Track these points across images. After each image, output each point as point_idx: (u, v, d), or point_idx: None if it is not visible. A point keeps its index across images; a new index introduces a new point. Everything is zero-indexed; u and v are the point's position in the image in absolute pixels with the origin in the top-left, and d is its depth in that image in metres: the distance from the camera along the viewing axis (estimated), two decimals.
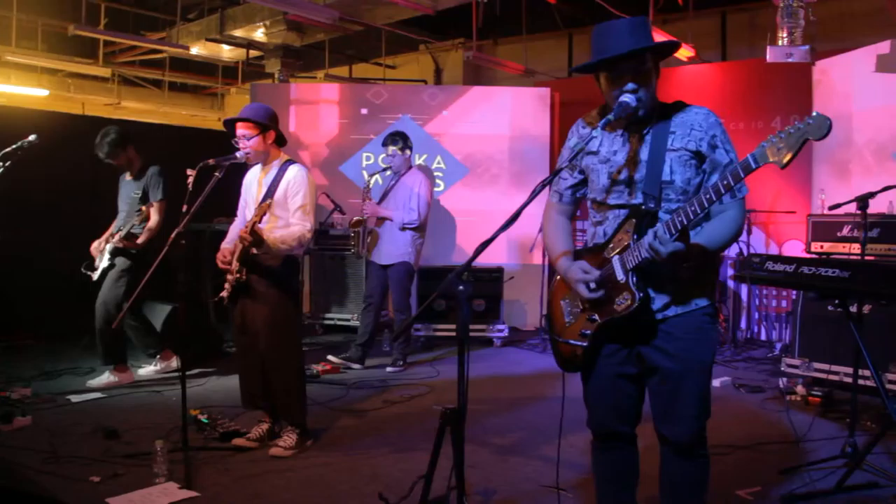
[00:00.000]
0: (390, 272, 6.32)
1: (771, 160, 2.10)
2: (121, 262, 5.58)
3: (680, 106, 2.52)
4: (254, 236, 3.92)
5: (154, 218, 5.63)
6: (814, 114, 2.06)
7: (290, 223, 4.12)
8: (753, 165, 2.14)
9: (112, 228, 5.78)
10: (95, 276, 5.61)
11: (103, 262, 5.59)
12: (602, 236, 2.55)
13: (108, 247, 5.58)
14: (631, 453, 2.71)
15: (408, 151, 6.40)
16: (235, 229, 4.38)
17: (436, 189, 8.56)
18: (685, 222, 2.27)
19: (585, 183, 2.67)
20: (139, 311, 5.87)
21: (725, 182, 2.19)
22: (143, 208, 5.55)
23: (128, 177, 5.79)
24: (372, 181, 6.48)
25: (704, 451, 2.54)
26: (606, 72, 2.43)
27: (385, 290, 6.43)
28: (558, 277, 2.70)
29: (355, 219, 6.43)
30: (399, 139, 6.36)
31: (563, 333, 2.64)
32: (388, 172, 6.52)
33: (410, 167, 6.49)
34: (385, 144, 6.40)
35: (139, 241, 5.56)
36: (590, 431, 2.74)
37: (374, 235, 6.38)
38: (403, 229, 6.25)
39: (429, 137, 8.60)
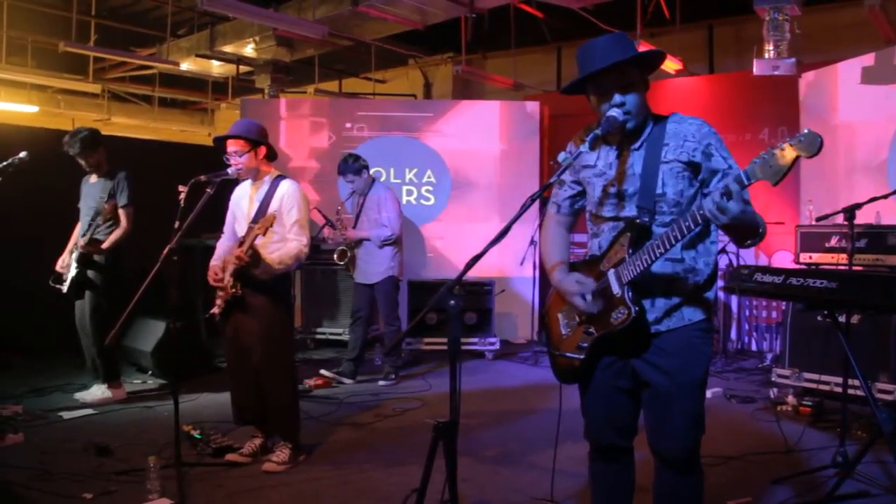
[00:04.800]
0: (377, 288, 6.34)
1: (762, 177, 2.08)
2: (91, 275, 5.46)
3: (675, 118, 2.50)
4: (252, 257, 3.91)
5: (122, 224, 5.50)
6: (805, 131, 2.04)
7: (286, 238, 4.13)
8: (746, 182, 2.10)
9: (75, 236, 5.64)
10: (65, 288, 5.49)
11: (71, 272, 5.46)
12: (598, 248, 2.57)
13: (75, 255, 5.46)
14: (627, 466, 2.71)
15: (364, 171, 6.37)
16: (223, 246, 4.37)
17: (426, 203, 8.61)
18: (680, 237, 2.26)
19: (584, 194, 2.69)
20: (102, 332, 5.27)
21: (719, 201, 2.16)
22: (107, 206, 5.39)
23: (92, 178, 5.66)
24: (336, 218, 6.46)
25: (698, 466, 2.53)
26: (592, 87, 2.46)
27: (372, 304, 6.44)
28: (554, 289, 2.70)
29: (339, 249, 6.47)
30: (352, 161, 6.33)
31: (560, 346, 2.64)
32: (355, 194, 6.53)
33: (374, 181, 6.51)
34: (341, 174, 6.37)
35: (104, 245, 5.43)
36: (587, 442, 2.75)
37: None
38: (382, 246, 6.29)
39: (418, 152, 8.63)
